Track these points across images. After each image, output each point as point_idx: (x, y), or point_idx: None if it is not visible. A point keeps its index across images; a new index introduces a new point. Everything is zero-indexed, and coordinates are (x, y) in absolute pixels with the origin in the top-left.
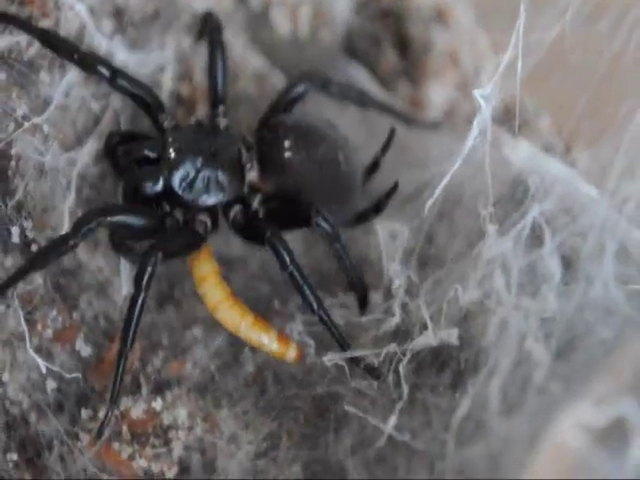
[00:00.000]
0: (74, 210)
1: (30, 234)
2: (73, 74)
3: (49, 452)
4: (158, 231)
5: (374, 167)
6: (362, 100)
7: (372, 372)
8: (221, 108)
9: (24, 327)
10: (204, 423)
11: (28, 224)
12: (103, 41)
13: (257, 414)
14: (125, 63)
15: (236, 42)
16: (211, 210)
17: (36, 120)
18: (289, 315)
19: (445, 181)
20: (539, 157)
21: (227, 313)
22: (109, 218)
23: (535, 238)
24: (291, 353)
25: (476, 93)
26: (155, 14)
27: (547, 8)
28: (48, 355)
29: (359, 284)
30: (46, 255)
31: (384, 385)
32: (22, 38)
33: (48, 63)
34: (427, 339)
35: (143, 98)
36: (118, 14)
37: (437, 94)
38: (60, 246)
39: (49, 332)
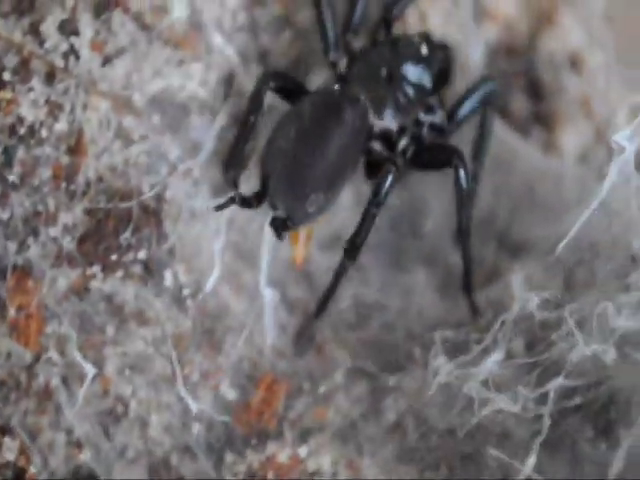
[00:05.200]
0: (223, 254)
1: (182, 278)
2: (223, 117)
3: None
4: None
5: None
6: None
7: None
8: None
9: (175, 368)
10: (347, 470)
11: (180, 267)
12: (251, 85)
13: (400, 462)
14: (273, 105)
15: None
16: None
17: (189, 164)
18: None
19: (577, 226)
20: None
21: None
22: None
23: None
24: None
25: (615, 138)
26: (297, 59)
27: None
28: (194, 398)
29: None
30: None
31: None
32: (174, 81)
33: (199, 106)
34: (578, 351)
35: None
36: (263, 57)
37: (570, 140)
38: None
39: (196, 375)
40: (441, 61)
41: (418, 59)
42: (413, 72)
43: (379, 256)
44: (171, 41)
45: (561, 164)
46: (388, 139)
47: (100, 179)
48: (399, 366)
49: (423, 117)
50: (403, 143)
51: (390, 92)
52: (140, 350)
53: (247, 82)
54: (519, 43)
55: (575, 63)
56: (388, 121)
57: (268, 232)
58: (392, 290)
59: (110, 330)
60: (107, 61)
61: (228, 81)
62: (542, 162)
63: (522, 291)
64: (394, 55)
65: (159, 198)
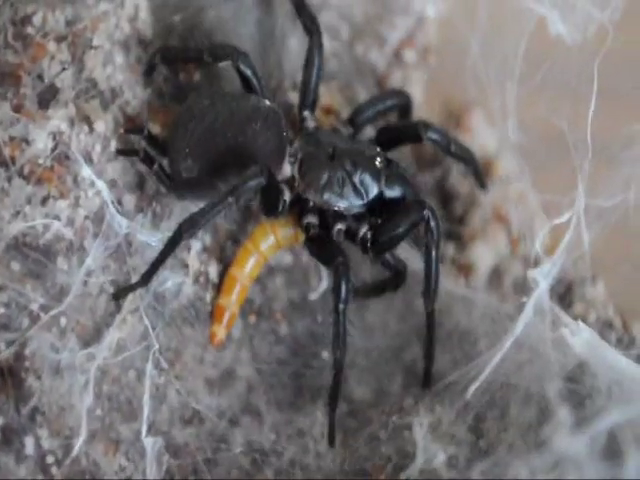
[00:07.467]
0: (93, 409)
1: (45, 443)
2: (93, 258)
3: None
4: None
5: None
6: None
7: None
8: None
9: None
10: None
11: (43, 432)
12: (124, 221)
13: None
14: (147, 242)
15: None
16: None
17: (53, 312)
18: None
19: (490, 367)
20: (600, 344)
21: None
22: None
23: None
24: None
25: (531, 273)
26: None
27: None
28: None
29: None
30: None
31: None
32: (37, 221)
33: (66, 248)
34: None
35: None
36: (141, 185)
37: (484, 255)
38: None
39: None
40: (398, 191)
41: (368, 163)
42: (355, 168)
43: (273, 396)
44: (33, 177)
45: (472, 290)
46: (301, 206)
47: None
48: None
49: (346, 217)
50: (309, 219)
51: (329, 170)
52: None
53: (119, 219)
54: (427, 150)
55: (487, 170)
56: (309, 192)
57: (149, 381)
58: (287, 433)
59: None
60: None
61: (99, 217)
62: (452, 286)
63: (427, 442)
64: (348, 145)
65: (18, 356)
